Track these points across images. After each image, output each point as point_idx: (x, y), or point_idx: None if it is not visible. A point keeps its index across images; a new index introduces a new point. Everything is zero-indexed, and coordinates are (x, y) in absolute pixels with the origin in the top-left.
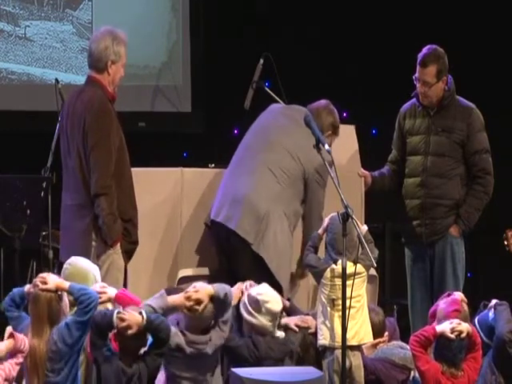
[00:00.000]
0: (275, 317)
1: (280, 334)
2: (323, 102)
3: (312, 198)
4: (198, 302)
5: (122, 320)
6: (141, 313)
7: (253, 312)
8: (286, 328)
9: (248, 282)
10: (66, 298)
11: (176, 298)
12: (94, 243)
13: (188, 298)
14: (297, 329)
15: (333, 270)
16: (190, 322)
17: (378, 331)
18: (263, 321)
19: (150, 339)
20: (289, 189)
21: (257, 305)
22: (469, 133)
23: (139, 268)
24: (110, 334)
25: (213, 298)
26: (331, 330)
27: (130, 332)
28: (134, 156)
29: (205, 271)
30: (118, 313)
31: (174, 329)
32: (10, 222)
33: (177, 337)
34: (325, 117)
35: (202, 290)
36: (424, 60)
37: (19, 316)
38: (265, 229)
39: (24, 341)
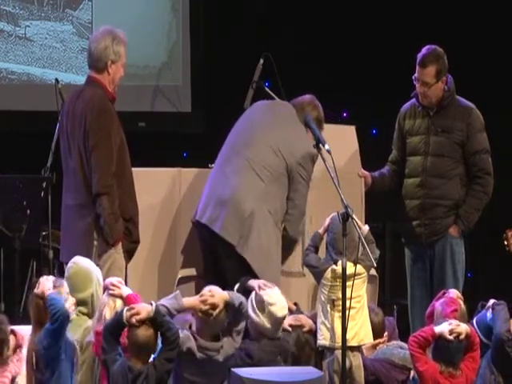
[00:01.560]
0: (277, 322)
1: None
2: (307, 96)
3: (295, 192)
4: (214, 306)
5: (131, 308)
6: (151, 304)
7: (256, 310)
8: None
9: (261, 281)
10: None
11: (191, 301)
12: (95, 243)
13: (203, 302)
14: (290, 328)
15: (333, 271)
16: (202, 326)
17: (377, 332)
18: (264, 322)
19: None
20: (273, 186)
21: (261, 304)
22: (468, 133)
23: (138, 268)
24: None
25: (227, 305)
26: (331, 330)
27: (138, 318)
28: (134, 156)
29: (201, 269)
30: (127, 309)
31: (186, 332)
32: (10, 222)
33: (189, 341)
34: (309, 112)
35: (218, 294)
36: (423, 60)
37: None
38: (249, 230)
39: (23, 337)
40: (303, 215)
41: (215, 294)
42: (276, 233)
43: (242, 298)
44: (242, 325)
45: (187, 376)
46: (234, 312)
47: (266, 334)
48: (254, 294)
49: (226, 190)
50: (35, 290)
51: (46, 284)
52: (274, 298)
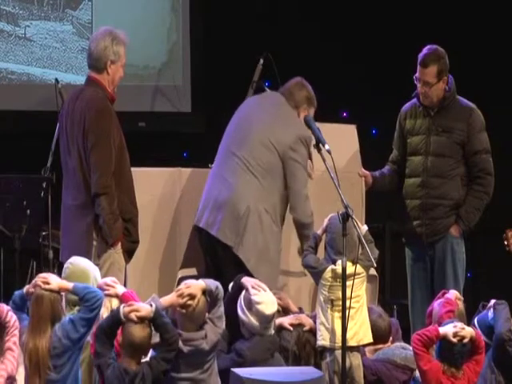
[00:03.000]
0: (266, 320)
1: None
2: (295, 78)
3: (290, 177)
4: (192, 296)
5: (130, 305)
6: (151, 305)
7: (244, 309)
8: (280, 328)
9: (255, 281)
10: (63, 298)
11: (168, 298)
12: (94, 243)
13: (181, 295)
14: (291, 328)
15: (332, 271)
16: (185, 321)
17: (383, 337)
18: (252, 320)
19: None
20: (270, 182)
21: (249, 303)
22: (469, 133)
23: (138, 268)
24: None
25: (205, 292)
26: (330, 330)
27: (139, 314)
28: (134, 156)
29: (204, 269)
30: (126, 305)
31: None
32: (10, 222)
33: None
34: (297, 92)
35: (193, 285)
36: (424, 60)
37: (20, 317)
38: (244, 229)
39: (10, 314)
40: (305, 197)
41: (191, 285)
42: (273, 231)
43: (217, 283)
44: (221, 309)
45: (173, 374)
46: (211, 298)
47: (255, 332)
48: (244, 292)
49: (223, 192)
50: (46, 286)
51: (56, 278)
52: (262, 297)
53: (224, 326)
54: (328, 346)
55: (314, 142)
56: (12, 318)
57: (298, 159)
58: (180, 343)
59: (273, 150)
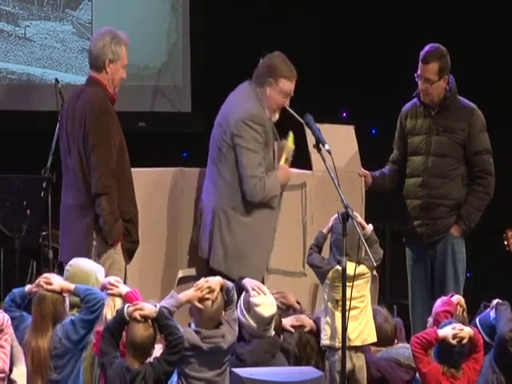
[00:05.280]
0: (264, 322)
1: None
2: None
3: (239, 165)
4: (210, 290)
5: (135, 304)
6: (155, 305)
7: (243, 310)
8: (281, 330)
9: (255, 283)
10: (67, 299)
11: (187, 293)
12: (94, 243)
13: (200, 289)
14: (292, 329)
15: (336, 271)
16: (202, 317)
17: (388, 340)
18: (250, 322)
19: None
20: (234, 177)
21: (248, 304)
22: (470, 133)
23: (139, 268)
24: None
25: (222, 289)
26: (335, 330)
27: (142, 313)
28: (134, 156)
29: (205, 271)
30: (129, 305)
31: (188, 328)
32: (9, 222)
33: (190, 335)
34: (261, 67)
35: (212, 279)
36: (426, 57)
37: (21, 315)
38: (210, 238)
39: (2, 316)
40: (250, 177)
41: (209, 279)
42: (245, 225)
43: (232, 284)
44: (236, 313)
45: (191, 373)
46: (227, 297)
47: (254, 334)
48: (243, 294)
49: (201, 209)
50: (48, 287)
51: (59, 279)
52: (260, 299)
53: (237, 329)
54: (331, 345)
55: (314, 141)
56: (4, 318)
57: (241, 144)
58: (199, 341)
59: (226, 145)
